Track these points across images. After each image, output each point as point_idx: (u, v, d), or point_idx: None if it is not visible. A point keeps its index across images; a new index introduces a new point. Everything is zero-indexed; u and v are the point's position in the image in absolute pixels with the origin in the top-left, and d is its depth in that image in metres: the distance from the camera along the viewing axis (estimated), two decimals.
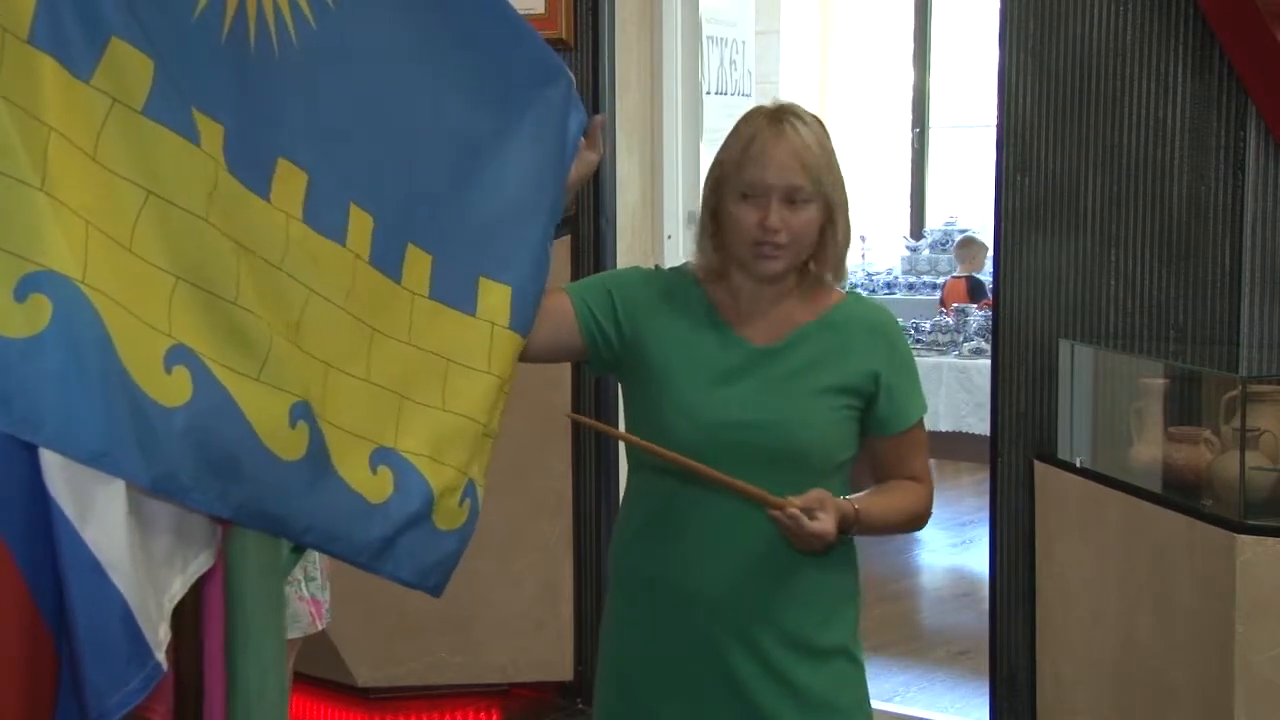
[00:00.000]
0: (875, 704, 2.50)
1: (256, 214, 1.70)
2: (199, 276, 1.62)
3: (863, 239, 10.13)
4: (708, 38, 5.08)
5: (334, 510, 1.79)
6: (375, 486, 1.85)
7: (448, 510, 1.95)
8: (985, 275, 8.43)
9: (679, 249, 4.76)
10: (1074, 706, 3.53)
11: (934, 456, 7.68)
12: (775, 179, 2.17)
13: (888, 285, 9.82)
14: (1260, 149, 3.41)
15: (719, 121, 4.90)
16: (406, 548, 1.89)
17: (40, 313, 1.44)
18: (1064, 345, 3.69)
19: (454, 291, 1.99)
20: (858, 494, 2.25)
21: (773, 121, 2.19)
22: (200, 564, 1.70)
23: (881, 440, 2.30)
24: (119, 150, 1.54)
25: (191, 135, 1.60)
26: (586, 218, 4.45)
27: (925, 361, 7.38)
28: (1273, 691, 2.90)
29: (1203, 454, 3.23)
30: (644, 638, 2.29)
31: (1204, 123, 3.49)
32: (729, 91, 5.27)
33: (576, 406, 4.38)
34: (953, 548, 6.90)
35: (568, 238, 4.37)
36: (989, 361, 3.97)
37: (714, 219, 2.26)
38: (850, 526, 2.18)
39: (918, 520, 2.35)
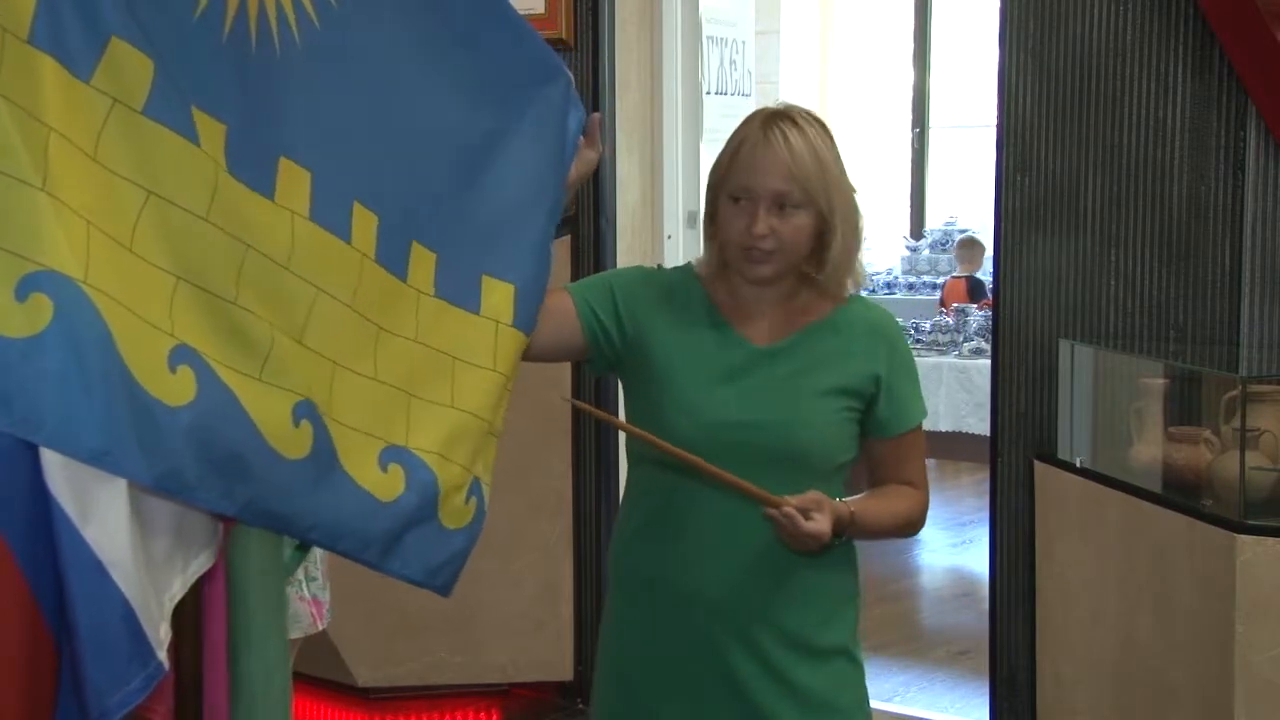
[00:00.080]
0: (875, 704, 2.50)
1: (261, 213, 1.70)
2: (199, 277, 1.62)
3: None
4: (708, 38, 5.08)
5: (340, 508, 1.79)
6: (385, 484, 1.85)
7: (453, 508, 1.95)
8: (985, 275, 8.43)
9: (679, 249, 4.76)
10: (1074, 706, 3.53)
11: (934, 456, 7.70)
12: (761, 185, 2.17)
13: (888, 285, 9.82)
14: (1260, 149, 3.41)
15: (719, 121, 4.90)
16: (413, 546, 1.89)
17: (41, 312, 1.44)
18: (1064, 345, 3.69)
19: (458, 290, 2.00)
20: (853, 497, 2.25)
21: (765, 127, 2.19)
22: (200, 564, 1.70)
23: (880, 443, 2.30)
24: (119, 150, 1.54)
25: (191, 135, 1.60)
26: (586, 218, 4.45)
27: (925, 361, 7.38)
28: (1273, 691, 2.90)
29: (1203, 454, 3.23)
30: (644, 638, 2.29)
31: (1204, 123, 3.49)
32: (729, 91, 5.27)
33: (575, 409, 4.39)
34: (953, 548, 6.90)
35: (568, 238, 4.38)
36: (989, 361, 3.97)
37: (712, 221, 2.26)
38: (845, 529, 2.18)
39: (912, 526, 2.35)
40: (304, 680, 4.10)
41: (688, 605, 2.23)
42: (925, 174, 10.78)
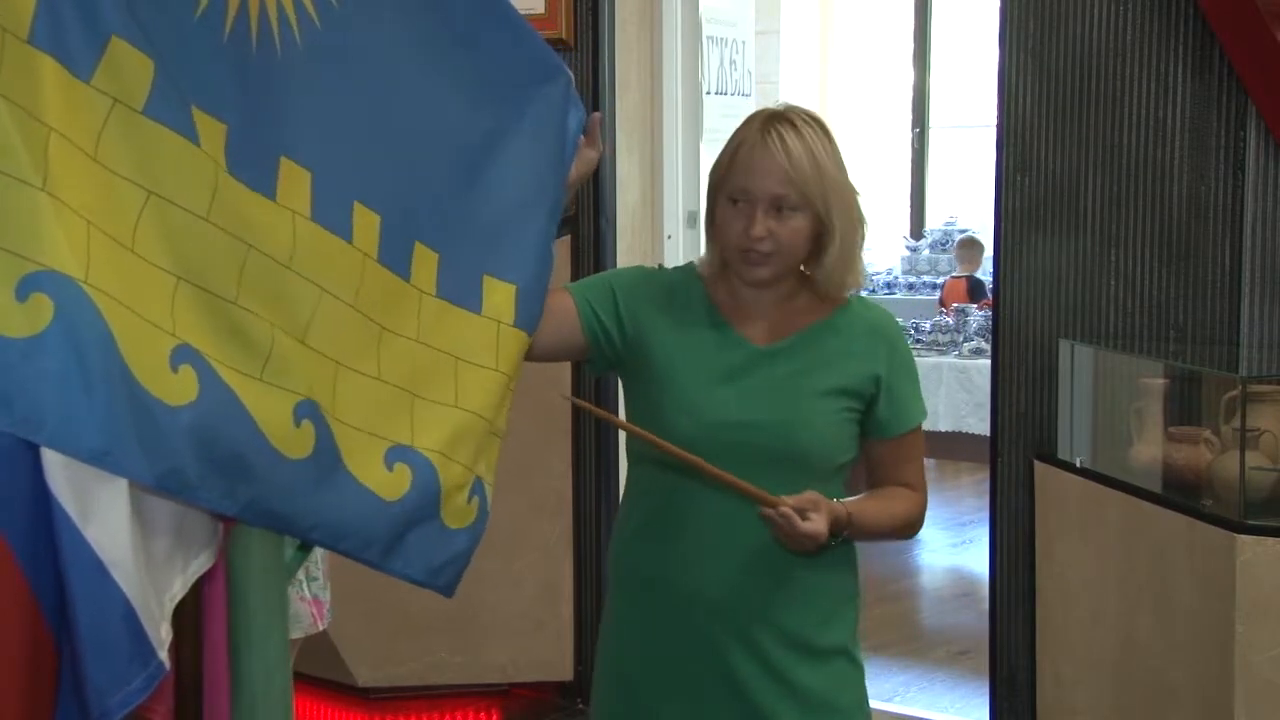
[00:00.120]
0: (875, 704, 2.50)
1: (262, 213, 1.70)
2: (199, 277, 1.62)
3: None
4: (708, 38, 5.08)
5: (342, 508, 1.79)
6: (391, 483, 1.86)
7: (455, 508, 1.95)
8: (985, 275, 8.43)
9: (679, 249, 4.76)
10: (1074, 706, 3.54)
11: (934, 456, 7.70)
12: (758, 188, 2.17)
13: (888, 285, 9.82)
14: (1260, 149, 3.41)
15: (719, 121, 4.90)
16: (416, 545, 1.89)
17: (41, 312, 1.45)
18: (1064, 345, 3.70)
19: (460, 290, 2.00)
20: (851, 498, 2.24)
21: (763, 130, 2.19)
22: (200, 564, 1.71)
23: (880, 444, 2.30)
24: (120, 150, 1.54)
25: (192, 135, 1.60)
26: (586, 218, 4.45)
27: (925, 361, 7.37)
28: (1273, 691, 2.90)
29: (1203, 454, 3.23)
30: (644, 638, 2.29)
31: (1204, 123, 3.49)
32: (729, 91, 5.27)
33: (575, 408, 4.38)
34: (953, 548, 6.90)
35: (568, 238, 4.38)
36: (989, 361, 3.97)
37: (712, 221, 2.26)
38: (842, 529, 2.18)
39: (910, 528, 2.34)
40: (304, 680, 4.10)
41: (688, 605, 2.23)
42: (925, 174, 10.78)
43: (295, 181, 1.75)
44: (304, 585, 3.07)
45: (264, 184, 1.71)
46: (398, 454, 1.87)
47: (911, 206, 10.76)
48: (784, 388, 2.23)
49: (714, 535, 2.22)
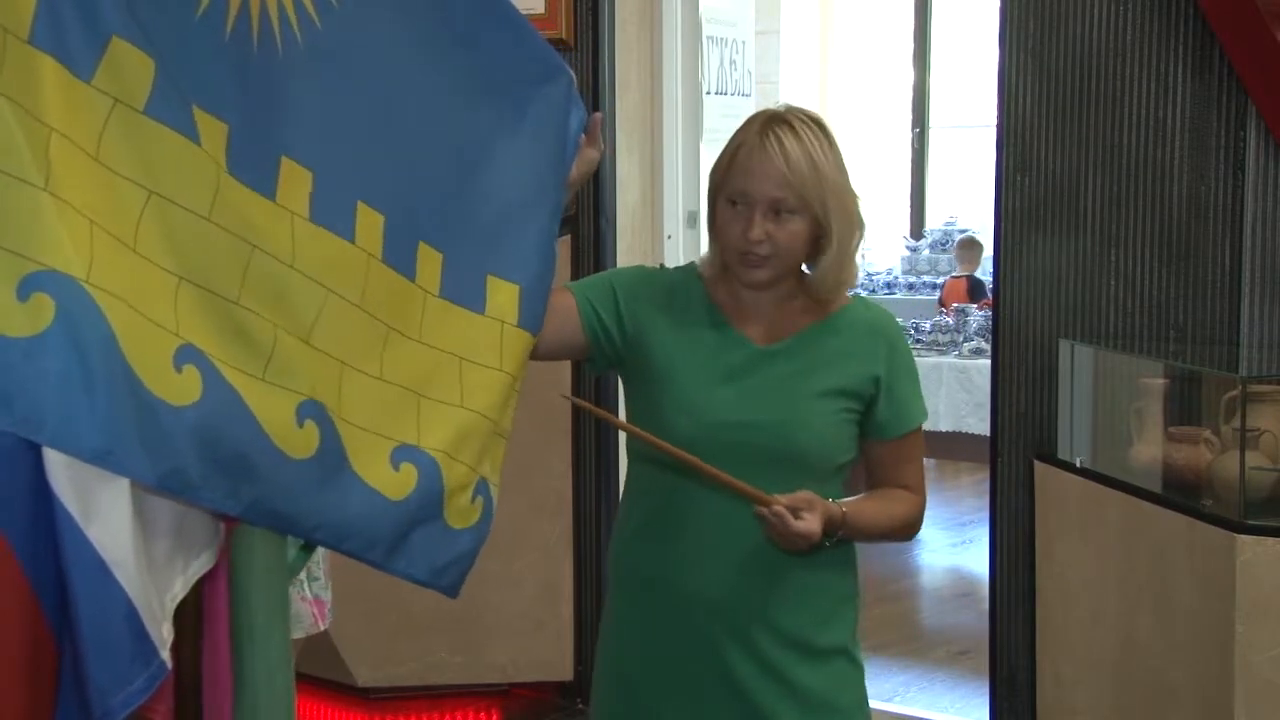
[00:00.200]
0: (875, 704, 2.50)
1: (262, 213, 1.70)
2: (201, 277, 1.62)
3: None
4: (708, 38, 5.08)
5: (346, 508, 1.79)
6: (397, 483, 1.85)
7: (459, 507, 1.95)
8: (985, 275, 8.43)
9: (679, 249, 4.76)
10: (1074, 706, 3.54)
11: (934, 456, 7.70)
12: (756, 191, 2.17)
13: (888, 285, 9.82)
14: (1260, 149, 3.41)
15: (719, 121, 4.90)
16: (419, 545, 1.89)
17: (43, 312, 1.44)
18: (1064, 345, 3.70)
19: (463, 290, 1.99)
20: (848, 498, 2.24)
21: (762, 132, 2.19)
22: (201, 564, 1.71)
23: (880, 444, 2.30)
24: (121, 150, 1.54)
25: (193, 135, 1.60)
26: (586, 218, 4.45)
27: (925, 361, 7.37)
28: (1273, 691, 2.90)
29: (1203, 454, 3.23)
30: (644, 638, 2.29)
31: (1204, 123, 3.49)
32: (729, 91, 5.27)
33: (575, 408, 4.38)
34: (953, 548, 6.91)
35: (568, 238, 4.38)
36: (989, 361, 3.97)
37: (713, 222, 2.26)
38: (837, 530, 2.18)
39: (908, 530, 2.33)
40: (304, 680, 4.09)
41: (687, 605, 2.23)
42: (925, 174, 10.79)
43: (296, 181, 1.75)
44: (305, 585, 3.07)
45: (264, 184, 1.71)
46: (404, 454, 1.87)
47: (911, 206, 10.76)
48: (783, 388, 2.23)
49: (714, 535, 2.22)
